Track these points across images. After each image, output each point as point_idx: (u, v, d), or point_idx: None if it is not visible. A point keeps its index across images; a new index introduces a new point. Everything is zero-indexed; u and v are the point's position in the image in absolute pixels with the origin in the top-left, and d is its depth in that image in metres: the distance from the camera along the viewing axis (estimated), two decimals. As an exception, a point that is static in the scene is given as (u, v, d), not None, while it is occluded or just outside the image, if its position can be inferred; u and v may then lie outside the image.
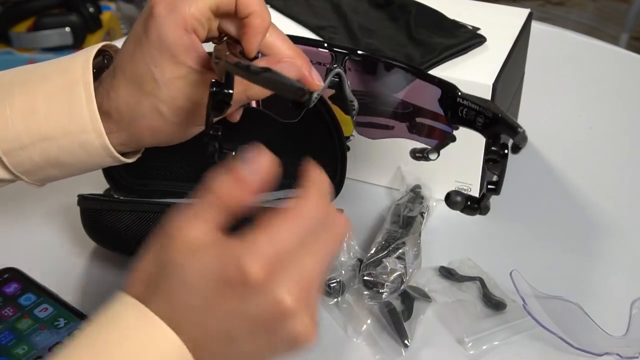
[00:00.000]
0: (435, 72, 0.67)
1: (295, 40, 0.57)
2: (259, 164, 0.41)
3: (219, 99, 0.48)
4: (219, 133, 0.50)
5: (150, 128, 0.54)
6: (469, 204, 0.52)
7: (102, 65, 0.57)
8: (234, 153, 0.52)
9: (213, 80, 0.49)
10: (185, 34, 0.51)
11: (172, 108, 0.53)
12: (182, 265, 0.40)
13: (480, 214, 0.52)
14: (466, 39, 0.74)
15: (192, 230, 0.41)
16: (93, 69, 0.54)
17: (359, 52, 0.59)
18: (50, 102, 0.54)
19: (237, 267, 0.39)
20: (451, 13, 0.78)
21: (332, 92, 0.61)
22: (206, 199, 0.41)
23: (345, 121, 0.73)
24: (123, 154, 0.56)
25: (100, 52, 0.57)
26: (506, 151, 0.48)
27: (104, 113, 0.54)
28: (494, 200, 0.77)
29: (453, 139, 0.71)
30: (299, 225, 0.41)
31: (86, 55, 0.55)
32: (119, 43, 0.59)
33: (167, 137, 0.55)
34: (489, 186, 0.50)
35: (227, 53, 0.51)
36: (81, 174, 0.59)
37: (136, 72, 0.53)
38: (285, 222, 0.40)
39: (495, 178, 0.50)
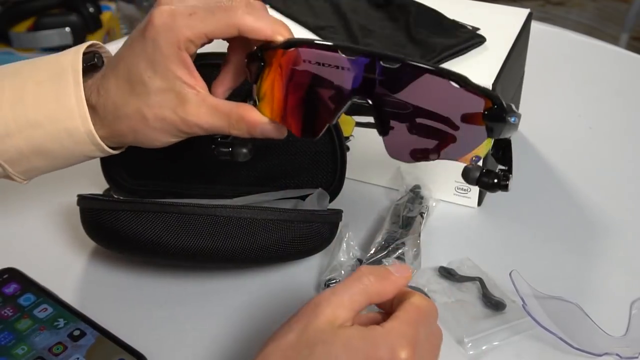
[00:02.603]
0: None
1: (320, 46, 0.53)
2: (403, 268, 0.49)
3: None
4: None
5: (132, 129, 0.56)
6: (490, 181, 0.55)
7: (93, 62, 0.58)
8: (229, 149, 0.57)
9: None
10: (178, 51, 0.53)
11: (156, 115, 0.54)
12: (331, 342, 0.44)
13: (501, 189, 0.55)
14: (466, 39, 0.74)
15: (342, 311, 0.46)
16: (84, 64, 0.56)
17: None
18: (39, 89, 0.55)
19: (390, 349, 0.44)
20: (451, 13, 0.78)
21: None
22: (356, 286, 0.47)
23: (345, 121, 0.73)
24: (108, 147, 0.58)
25: (92, 52, 0.58)
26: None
27: (91, 107, 0.55)
28: (494, 200, 0.77)
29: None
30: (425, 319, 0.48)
31: (76, 49, 0.57)
32: (118, 43, 0.60)
33: (147, 140, 0.57)
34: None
35: None
36: (67, 167, 0.60)
37: (129, 74, 0.54)
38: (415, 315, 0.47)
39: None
